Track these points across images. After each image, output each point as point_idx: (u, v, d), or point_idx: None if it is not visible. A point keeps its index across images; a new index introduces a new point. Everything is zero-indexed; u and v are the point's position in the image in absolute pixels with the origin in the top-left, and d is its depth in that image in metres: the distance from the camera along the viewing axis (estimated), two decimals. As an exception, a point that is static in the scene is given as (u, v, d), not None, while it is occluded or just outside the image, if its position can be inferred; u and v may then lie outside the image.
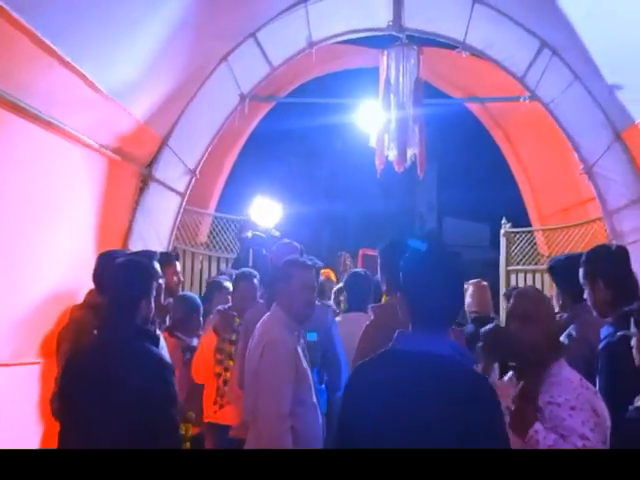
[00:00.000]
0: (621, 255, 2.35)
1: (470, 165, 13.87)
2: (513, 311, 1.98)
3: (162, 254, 3.08)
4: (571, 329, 2.38)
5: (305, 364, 2.45)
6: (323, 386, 2.72)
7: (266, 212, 4.77)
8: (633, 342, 1.86)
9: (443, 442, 1.27)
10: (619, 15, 3.13)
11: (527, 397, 1.83)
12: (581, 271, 2.40)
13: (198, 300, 3.61)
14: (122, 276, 2.21)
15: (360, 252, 5.44)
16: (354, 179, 10.72)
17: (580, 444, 1.73)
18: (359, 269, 4.56)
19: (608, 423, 1.82)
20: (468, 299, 3.92)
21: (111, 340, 2.14)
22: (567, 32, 3.65)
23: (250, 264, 4.53)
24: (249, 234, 4.59)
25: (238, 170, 9.69)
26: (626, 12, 3.06)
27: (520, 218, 6.50)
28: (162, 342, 2.56)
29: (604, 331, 2.25)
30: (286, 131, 10.18)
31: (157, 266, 2.46)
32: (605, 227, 4.11)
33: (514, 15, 4.00)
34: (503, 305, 4.89)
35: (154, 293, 2.23)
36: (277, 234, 4.52)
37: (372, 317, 2.55)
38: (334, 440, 1.53)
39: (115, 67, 3.29)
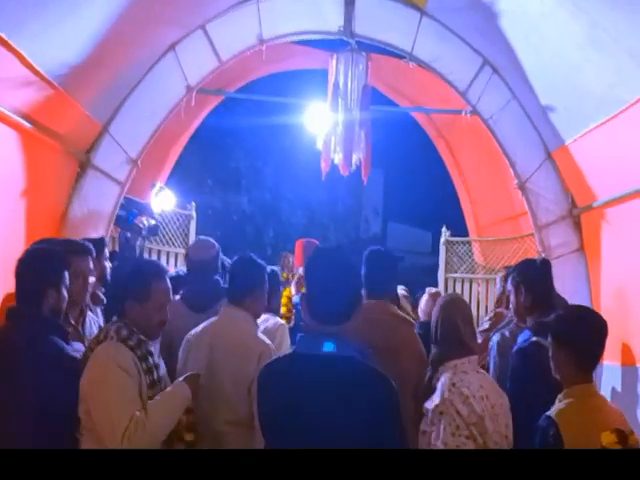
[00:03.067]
0: (544, 268, 2.54)
1: (415, 172, 14.20)
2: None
3: (93, 241, 2.99)
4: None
5: None
6: None
7: (162, 199, 4.66)
8: (550, 352, 1.98)
9: (346, 442, 1.31)
10: (552, 41, 3.31)
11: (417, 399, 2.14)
12: (509, 279, 2.57)
13: None
14: (27, 264, 2.10)
15: (298, 242, 5.41)
16: (300, 179, 10.73)
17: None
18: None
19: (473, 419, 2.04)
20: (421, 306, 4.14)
21: (11, 331, 2.02)
22: (507, 52, 3.82)
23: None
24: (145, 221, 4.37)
25: (183, 163, 9.50)
26: (558, 39, 3.24)
27: (460, 227, 6.73)
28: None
29: (522, 336, 2.41)
30: (234, 126, 10.06)
31: (86, 256, 2.38)
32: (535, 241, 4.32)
33: (459, 32, 4.14)
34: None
35: (66, 282, 2.12)
36: (152, 222, 4.41)
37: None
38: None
39: (55, 49, 3.14)
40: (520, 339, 2.41)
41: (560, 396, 1.91)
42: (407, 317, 2.83)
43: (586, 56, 3.09)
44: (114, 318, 2.11)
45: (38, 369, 1.94)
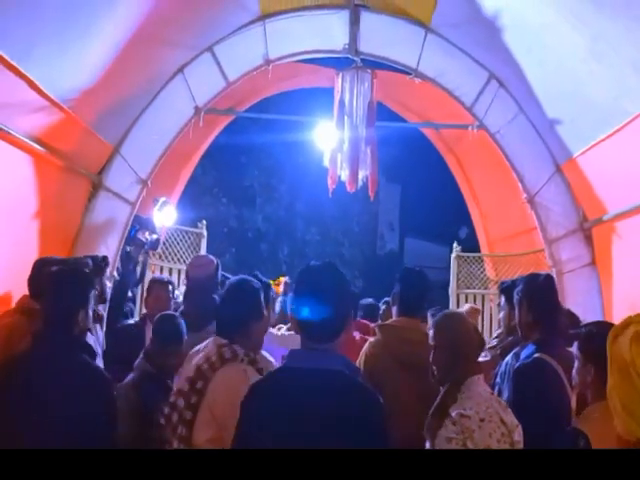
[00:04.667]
0: (547, 283, 2.50)
1: (431, 187, 14.18)
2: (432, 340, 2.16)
3: (96, 259, 3.05)
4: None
5: None
6: None
7: (165, 214, 4.73)
8: (575, 367, 1.95)
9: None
10: (555, 53, 3.30)
11: (439, 408, 1.99)
12: (514, 295, 2.55)
13: None
14: (59, 285, 2.13)
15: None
16: (314, 196, 10.77)
17: None
18: None
19: (517, 437, 1.95)
20: None
21: (46, 353, 2.04)
22: (512, 66, 3.81)
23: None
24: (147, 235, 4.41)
25: (197, 181, 9.63)
26: (561, 51, 3.22)
27: (474, 241, 6.69)
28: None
29: (525, 351, 2.36)
30: (248, 144, 10.19)
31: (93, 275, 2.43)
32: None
33: (464, 47, 4.15)
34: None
35: (92, 303, 2.17)
36: (155, 237, 4.46)
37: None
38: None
39: (65, 73, 3.24)
40: (523, 354, 2.37)
41: (586, 411, 1.88)
42: None
43: (589, 68, 3.07)
44: (223, 341, 2.08)
45: (76, 390, 1.97)
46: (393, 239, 18.65)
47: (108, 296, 3.16)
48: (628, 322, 1.09)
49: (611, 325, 2.05)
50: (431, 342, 2.12)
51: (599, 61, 2.96)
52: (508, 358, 2.55)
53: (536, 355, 2.27)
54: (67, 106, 3.44)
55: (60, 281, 2.16)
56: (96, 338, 2.76)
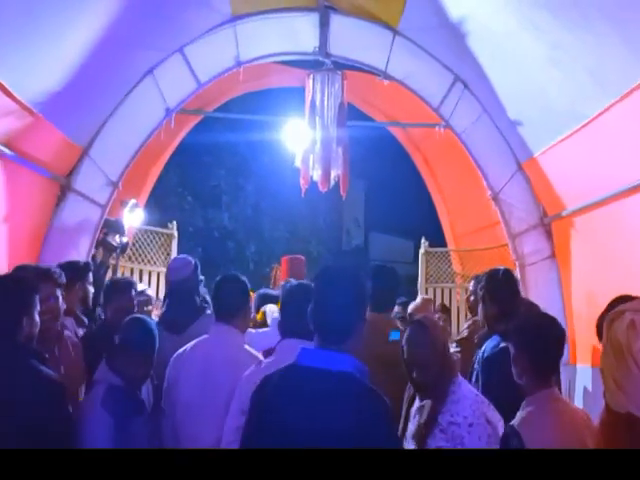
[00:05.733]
0: (506, 277, 2.66)
1: (395, 184, 14.41)
2: (408, 357, 2.13)
3: (78, 265, 3.03)
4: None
5: None
6: None
7: (135, 216, 4.75)
8: (512, 360, 2.06)
9: None
10: (517, 59, 3.48)
11: (429, 416, 2.00)
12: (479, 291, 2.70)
13: None
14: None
15: (283, 259, 5.50)
16: (281, 194, 10.81)
17: None
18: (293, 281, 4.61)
19: (500, 430, 2.00)
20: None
21: None
22: (476, 69, 3.98)
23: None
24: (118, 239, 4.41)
25: (164, 182, 9.51)
26: (522, 58, 3.40)
27: (439, 236, 6.89)
28: None
29: (491, 342, 2.50)
30: (214, 144, 10.12)
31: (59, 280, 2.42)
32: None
33: (431, 50, 4.29)
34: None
35: (37, 307, 2.15)
36: (125, 240, 4.49)
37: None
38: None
39: (34, 76, 3.20)
40: (489, 345, 2.51)
41: (523, 404, 1.97)
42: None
43: (548, 74, 3.25)
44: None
45: (23, 395, 1.95)
46: (359, 235, 18.85)
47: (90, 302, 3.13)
48: (623, 310, 1.22)
49: (541, 316, 2.18)
50: (406, 357, 2.12)
51: (557, 67, 3.14)
52: (485, 346, 2.69)
53: (502, 345, 2.40)
54: (37, 110, 3.39)
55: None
56: (77, 342, 2.73)
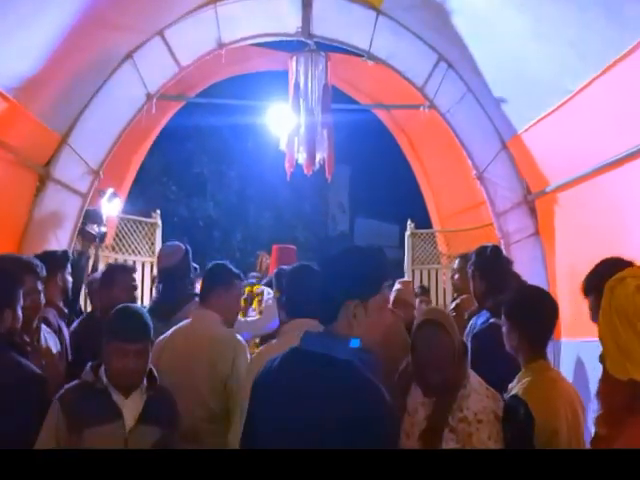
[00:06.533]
0: (494, 253, 2.68)
1: (381, 167, 14.42)
2: (423, 340, 1.97)
3: (56, 255, 2.97)
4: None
5: None
6: None
7: (112, 205, 4.68)
8: (503, 330, 2.08)
9: (329, 445, 1.28)
10: (500, 35, 3.46)
11: (438, 416, 1.89)
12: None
13: None
14: None
15: (273, 248, 5.47)
16: (265, 180, 10.74)
17: None
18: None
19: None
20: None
21: None
22: (460, 48, 3.96)
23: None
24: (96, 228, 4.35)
25: (146, 170, 9.39)
26: (506, 33, 3.39)
27: (425, 218, 6.91)
28: None
29: (480, 318, 2.52)
30: (196, 130, 10.00)
31: (38, 271, 2.37)
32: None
33: (414, 29, 4.26)
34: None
35: (20, 301, 2.10)
36: (103, 229, 4.45)
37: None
38: (243, 434, 1.53)
39: (6, 61, 3.10)
40: (478, 321, 2.53)
41: (519, 375, 2.01)
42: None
43: (532, 48, 3.24)
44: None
45: (4, 388, 1.92)
46: (344, 220, 18.87)
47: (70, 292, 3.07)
48: (623, 276, 1.22)
49: (533, 290, 2.21)
50: (418, 359, 1.98)
51: (541, 42, 3.14)
52: (472, 320, 2.72)
53: (491, 320, 2.42)
54: (11, 95, 3.30)
55: None
56: (57, 336, 2.67)
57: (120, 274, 2.99)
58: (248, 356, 2.40)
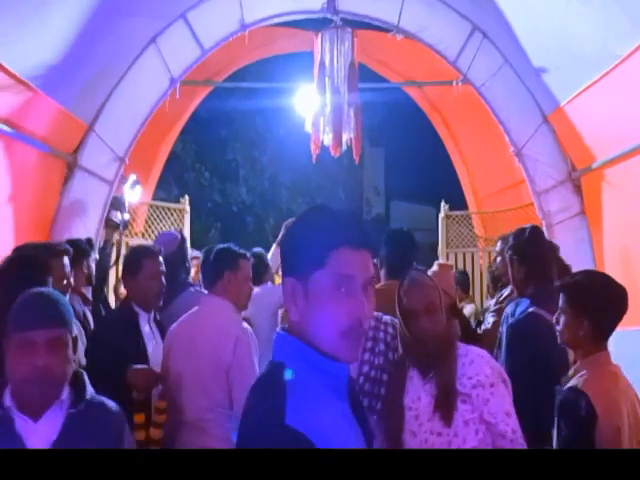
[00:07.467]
0: (533, 235, 2.45)
1: (416, 148, 14.08)
2: (415, 304, 1.85)
3: (80, 242, 2.95)
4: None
5: None
6: None
7: (132, 192, 4.63)
8: (561, 319, 1.88)
9: None
10: (540, 0, 3.20)
11: (446, 386, 1.78)
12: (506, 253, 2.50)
13: None
14: (9, 273, 2.00)
15: None
16: (298, 166, 10.61)
17: (509, 430, 1.75)
18: None
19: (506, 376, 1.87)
20: None
21: None
22: (496, 16, 3.69)
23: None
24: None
25: (178, 156, 9.43)
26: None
27: (461, 200, 6.65)
28: None
29: (521, 306, 2.33)
30: (228, 117, 9.96)
31: (66, 259, 2.32)
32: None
33: (445, -1, 4.02)
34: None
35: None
36: (126, 216, 4.42)
37: None
38: None
39: (27, 49, 3.07)
40: (517, 310, 2.33)
41: (575, 367, 1.84)
42: None
43: (576, 12, 2.97)
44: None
45: None
46: (379, 204, 18.59)
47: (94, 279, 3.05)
48: None
49: (601, 274, 1.99)
50: (408, 305, 1.87)
51: (585, 3, 2.87)
52: (507, 308, 2.53)
53: (530, 310, 2.23)
54: (35, 84, 3.28)
55: (10, 268, 2.04)
56: (80, 324, 2.64)
57: (147, 259, 2.60)
58: (252, 345, 2.34)
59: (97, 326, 2.79)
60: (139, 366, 2.30)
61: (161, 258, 2.59)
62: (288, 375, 0.96)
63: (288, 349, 1.00)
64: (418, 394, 1.85)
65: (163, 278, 2.59)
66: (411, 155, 14.95)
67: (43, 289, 1.61)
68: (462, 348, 1.85)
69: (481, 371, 1.79)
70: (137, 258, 2.58)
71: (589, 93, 3.33)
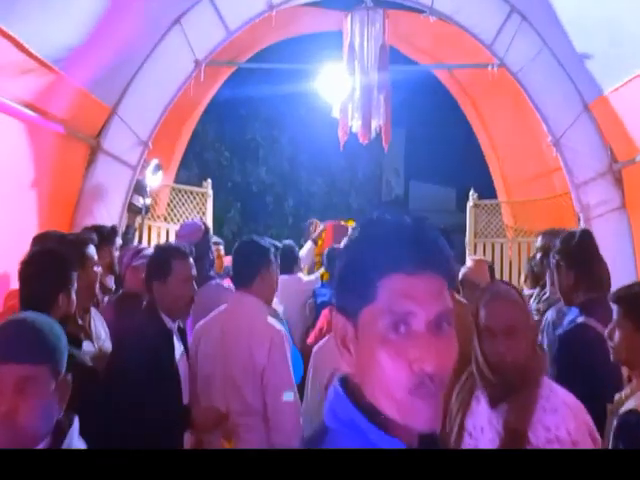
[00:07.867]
0: (584, 239, 2.29)
1: (438, 130, 13.79)
2: (494, 323, 1.53)
3: (105, 229, 2.88)
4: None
5: None
6: None
7: (154, 176, 4.54)
8: (616, 334, 1.75)
9: None
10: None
11: (517, 431, 1.47)
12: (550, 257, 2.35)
13: None
14: (35, 268, 1.92)
15: (328, 225, 5.28)
16: (318, 146, 10.44)
17: None
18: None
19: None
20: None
21: None
22: (537, -3, 3.49)
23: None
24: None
25: (199, 137, 9.32)
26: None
27: (486, 185, 6.44)
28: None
29: (570, 315, 2.20)
30: (248, 97, 9.80)
31: (90, 251, 2.25)
32: (571, 201, 4.06)
33: (483, -22, 3.81)
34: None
35: (75, 285, 1.97)
36: (148, 201, 4.35)
37: None
38: None
39: (50, 31, 2.97)
40: (566, 320, 2.19)
41: (633, 386, 1.69)
42: None
43: (629, -4, 2.77)
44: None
45: None
46: (399, 184, 18.33)
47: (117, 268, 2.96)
48: None
49: None
50: (486, 321, 1.56)
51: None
52: (548, 314, 2.40)
53: (579, 320, 2.09)
54: (58, 67, 3.18)
55: (36, 263, 1.95)
56: (99, 315, 2.56)
57: (177, 260, 2.24)
58: (287, 346, 2.25)
59: (127, 334, 2.35)
60: (205, 405, 2.23)
61: (192, 260, 2.30)
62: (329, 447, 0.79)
63: (339, 412, 0.79)
64: (482, 424, 1.57)
65: (194, 283, 2.29)
66: (432, 136, 14.65)
67: (30, 315, 1.28)
68: (546, 388, 1.53)
69: (563, 424, 1.46)
70: (166, 259, 2.23)
71: (637, 82, 3.14)
